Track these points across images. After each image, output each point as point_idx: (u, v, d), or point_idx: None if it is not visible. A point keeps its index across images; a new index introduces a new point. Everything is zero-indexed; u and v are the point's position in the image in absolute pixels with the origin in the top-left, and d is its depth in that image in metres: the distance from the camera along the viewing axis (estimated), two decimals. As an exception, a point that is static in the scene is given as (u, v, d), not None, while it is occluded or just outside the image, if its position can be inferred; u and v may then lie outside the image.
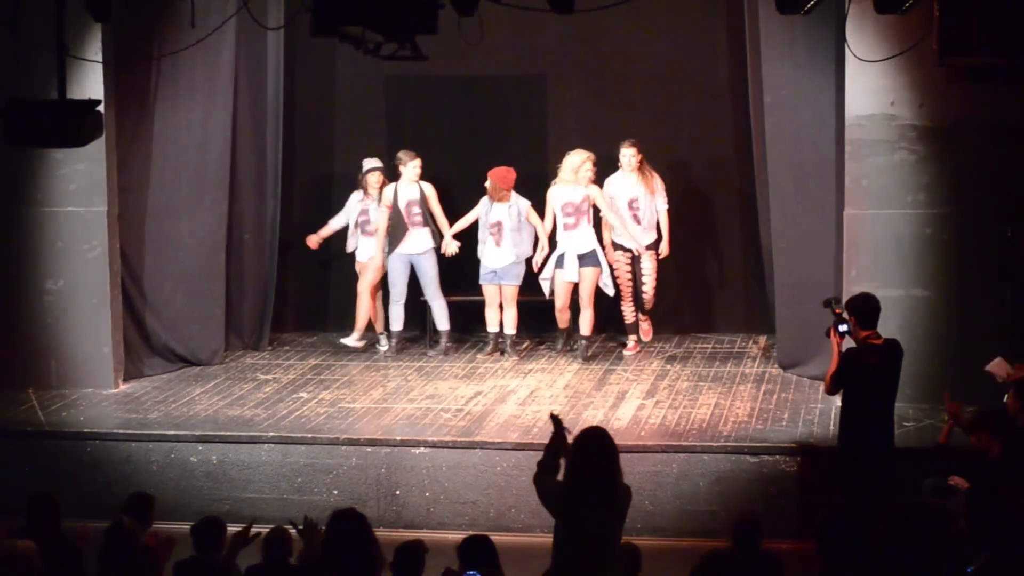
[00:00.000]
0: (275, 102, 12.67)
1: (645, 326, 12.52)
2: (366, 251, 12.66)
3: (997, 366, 8.97)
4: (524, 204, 12.29)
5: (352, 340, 12.71)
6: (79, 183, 11.25)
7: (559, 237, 12.05)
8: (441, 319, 12.58)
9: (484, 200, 12.35)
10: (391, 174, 12.55)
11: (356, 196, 12.71)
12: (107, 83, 11.03)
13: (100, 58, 10.91)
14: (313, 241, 12.80)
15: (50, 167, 11.22)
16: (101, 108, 8.80)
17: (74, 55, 10.08)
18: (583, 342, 12.22)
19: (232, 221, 12.53)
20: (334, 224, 12.81)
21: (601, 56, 13.03)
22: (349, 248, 12.81)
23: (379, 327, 12.81)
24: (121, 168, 11.52)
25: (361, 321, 12.70)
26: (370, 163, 12.62)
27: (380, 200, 12.47)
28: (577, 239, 11.95)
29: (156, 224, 12.03)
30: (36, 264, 11.36)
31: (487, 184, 12.26)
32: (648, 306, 12.35)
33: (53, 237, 11.33)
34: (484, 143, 13.23)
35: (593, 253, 11.96)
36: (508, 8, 8.17)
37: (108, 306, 11.36)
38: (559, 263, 11.98)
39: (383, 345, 12.75)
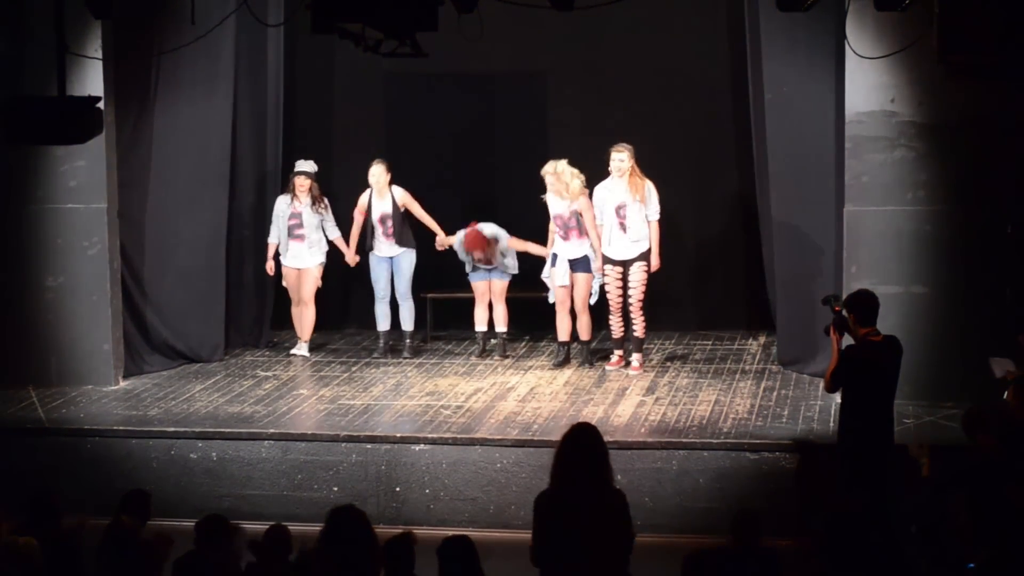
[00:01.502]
0: (275, 99, 12.68)
1: (635, 362, 11.78)
2: (297, 257, 12.45)
3: (1002, 363, 8.95)
4: (504, 241, 12.15)
5: (304, 350, 12.59)
6: (79, 180, 11.25)
7: (553, 241, 11.99)
8: (407, 320, 12.51)
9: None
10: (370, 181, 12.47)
11: (283, 200, 12.47)
12: (107, 80, 11.03)
13: (100, 55, 10.92)
14: (271, 268, 12.58)
15: (50, 164, 11.22)
16: (101, 105, 8.80)
17: (74, 52, 10.07)
18: (582, 346, 12.11)
19: (232, 218, 12.54)
20: (273, 240, 12.51)
21: (601, 53, 13.04)
22: (285, 258, 12.49)
23: (301, 334, 12.64)
24: (121, 165, 11.53)
25: (308, 331, 12.61)
26: (300, 165, 12.40)
27: (310, 204, 12.31)
28: (569, 248, 11.82)
29: (156, 221, 12.04)
30: (36, 261, 11.36)
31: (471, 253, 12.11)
32: (635, 318, 11.66)
33: (53, 234, 11.33)
34: (484, 141, 13.23)
35: (585, 259, 11.78)
36: (508, 5, 8.18)
37: (108, 303, 11.36)
38: (553, 262, 11.93)
39: (300, 349, 12.59)
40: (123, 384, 11.51)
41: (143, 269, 12.02)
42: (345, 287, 13.53)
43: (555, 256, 11.89)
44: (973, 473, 7.69)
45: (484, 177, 13.08)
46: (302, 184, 12.32)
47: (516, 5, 8.25)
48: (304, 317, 12.56)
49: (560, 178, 11.68)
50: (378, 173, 12.25)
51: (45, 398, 11.12)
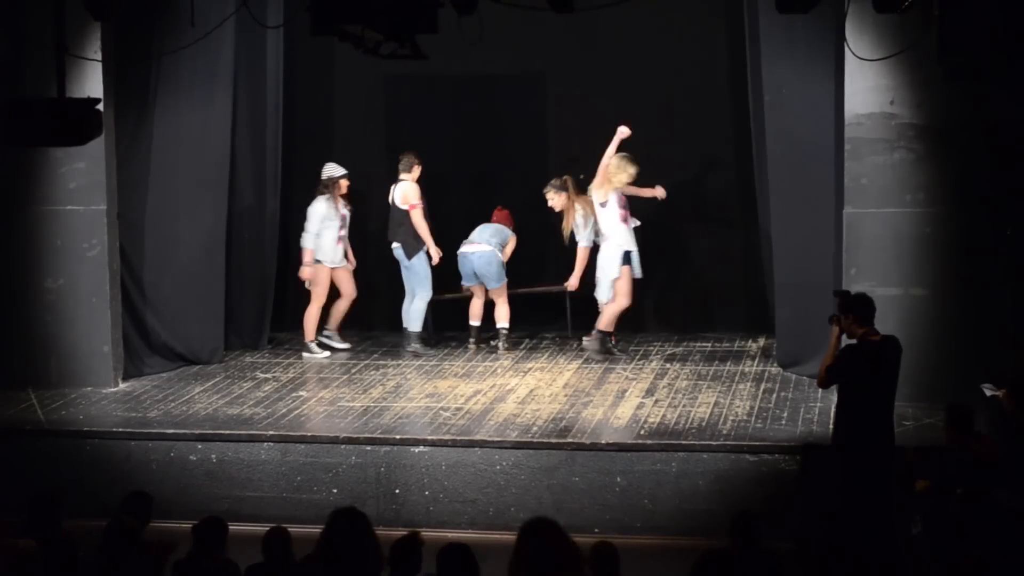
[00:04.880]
0: (275, 101, 12.67)
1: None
2: (342, 258, 12.62)
3: (992, 387, 9.02)
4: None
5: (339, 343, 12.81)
6: (79, 182, 11.25)
7: (622, 235, 12.04)
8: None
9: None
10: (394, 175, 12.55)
11: (325, 205, 12.43)
12: (107, 82, 11.03)
13: (100, 57, 10.91)
14: (308, 272, 12.54)
15: (50, 166, 11.22)
16: (101, 107, 8.80)
17: (74, 54, 10.07)
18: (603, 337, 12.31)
19: (232, 220, 12.53)
20: (310, 244, 12.46)
21: (600, 55, 13.03)
22: (330, 260, 12.54)
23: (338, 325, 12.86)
24: (121, 167, 11.53)
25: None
26: (338, 168, 12.49)
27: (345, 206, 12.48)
28: (630, 238, 12.11)
29: (156, 223, 12.03)
30: (36, 263, 11.36)
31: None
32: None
33: (53, 236, 11.33)
34: (484, 143, 13.23)
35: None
36: (508, 7, 8.18)
37: (108, 305, 11.36)
38: (627, 260, 12.04)
39: (321, 352, 12.68)
40: (123, 386, 11.51)
41: (143, 271, 12.02)
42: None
43: (628, 253, 12.03)
44: (968, 474, 7.69)
45: (483, 179, 13.06)
46: (346, 186, 12.47)
47: (516, 7, 8.25)
48: (346, 308, 12.78)
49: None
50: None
51: (44, 400, 11.11)
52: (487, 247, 12.45)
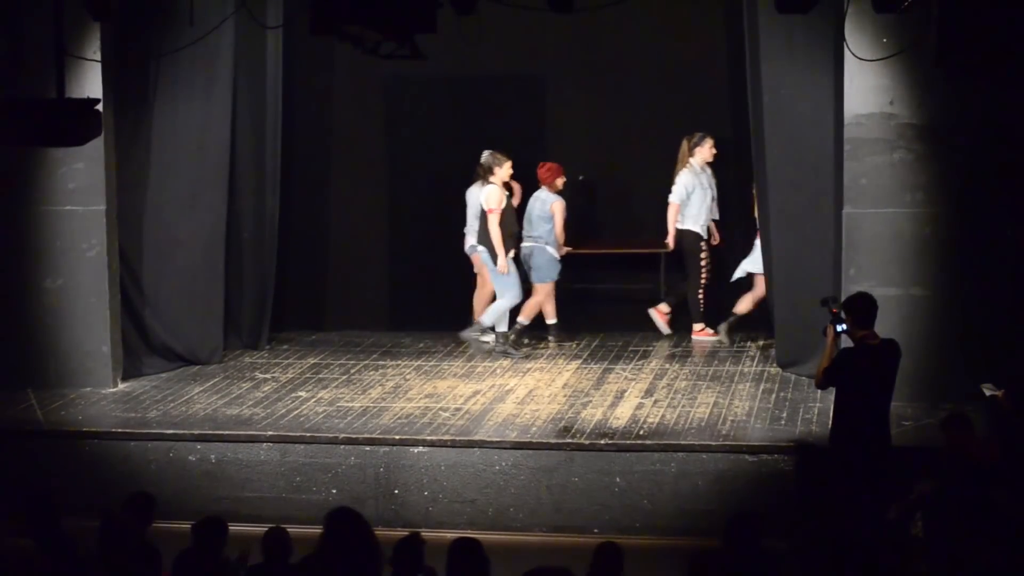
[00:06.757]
0: (274, 101, 12.66)
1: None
2: None
3: (992, 387, 9.05)
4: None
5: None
6: (78, 182, 11.25)
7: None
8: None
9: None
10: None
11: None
12: (106, 82, 11.03)
13: (99, 57, 10.91)
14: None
15: (49, 166, 11.22)
16: (100, 107, 8.80)
17: (73, 54, 10.09)
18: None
19: (231, 220, 12.52)
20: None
21: (600, 55, 13.03)
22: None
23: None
24: (120, 167, 11.52)
25: None
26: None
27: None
28: None
29: (155, 223, 12.03)
30: (35, 263, 11.35)
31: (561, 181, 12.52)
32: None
33: (52, 236, 11.33)
34: (483, 143, 13.22)
35: None
36: (507, 7, 8.19)
37: (107, 305, 11.36)
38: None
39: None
40: (122, 386, 11.51)
41: (142, 271, 12.02)
42: (346, 289, 13.55)
43: None
44: (967, 476, 7.69)
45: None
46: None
47: (515, 7, 8.25)
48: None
49: None
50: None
51: (44, 400, 11.11)
52: (537, 243, 12.54)
